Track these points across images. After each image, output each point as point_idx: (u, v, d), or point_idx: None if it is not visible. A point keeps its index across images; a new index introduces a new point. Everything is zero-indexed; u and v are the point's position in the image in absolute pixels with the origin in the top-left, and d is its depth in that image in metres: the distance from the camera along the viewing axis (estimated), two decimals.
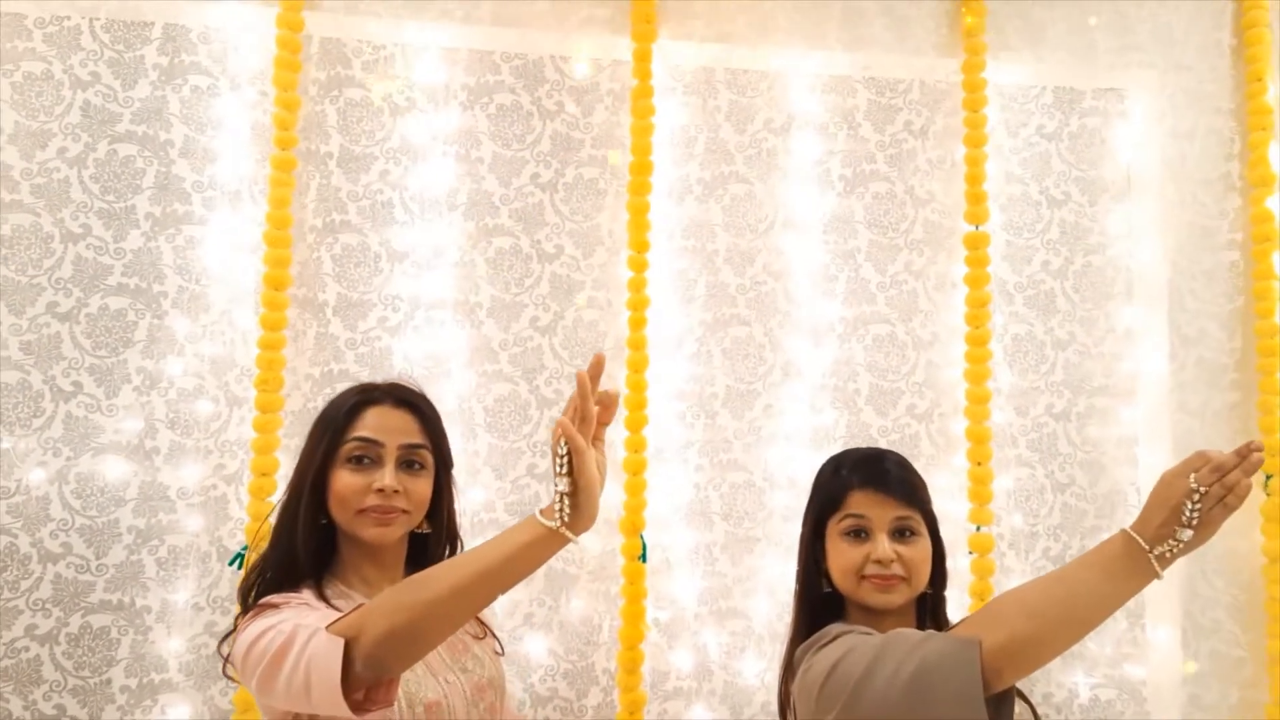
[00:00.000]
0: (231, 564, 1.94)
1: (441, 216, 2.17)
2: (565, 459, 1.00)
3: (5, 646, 1.91)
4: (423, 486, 1.30)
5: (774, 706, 1.57)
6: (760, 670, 2.14)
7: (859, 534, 1.37)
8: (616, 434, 2.13)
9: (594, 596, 2.13)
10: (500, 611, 2.09)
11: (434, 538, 1.34)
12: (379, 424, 1.28)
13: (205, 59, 2.11)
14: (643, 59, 2.20)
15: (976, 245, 2.21)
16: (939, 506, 2.18)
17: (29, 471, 1.96)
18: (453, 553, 1.38)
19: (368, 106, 2.17)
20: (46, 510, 1.95)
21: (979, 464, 2.15)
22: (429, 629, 1.00)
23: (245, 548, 1.81)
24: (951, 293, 2.26)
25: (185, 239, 2.07)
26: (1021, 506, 2.25)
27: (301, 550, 1.24)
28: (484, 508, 2.12)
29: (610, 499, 2.12)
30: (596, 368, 1.06)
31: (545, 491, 2.15)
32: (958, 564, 2.14)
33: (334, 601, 1.20)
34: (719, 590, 2.17)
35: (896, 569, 1.35)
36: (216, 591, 2.00)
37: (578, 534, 1.03)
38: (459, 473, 2.08)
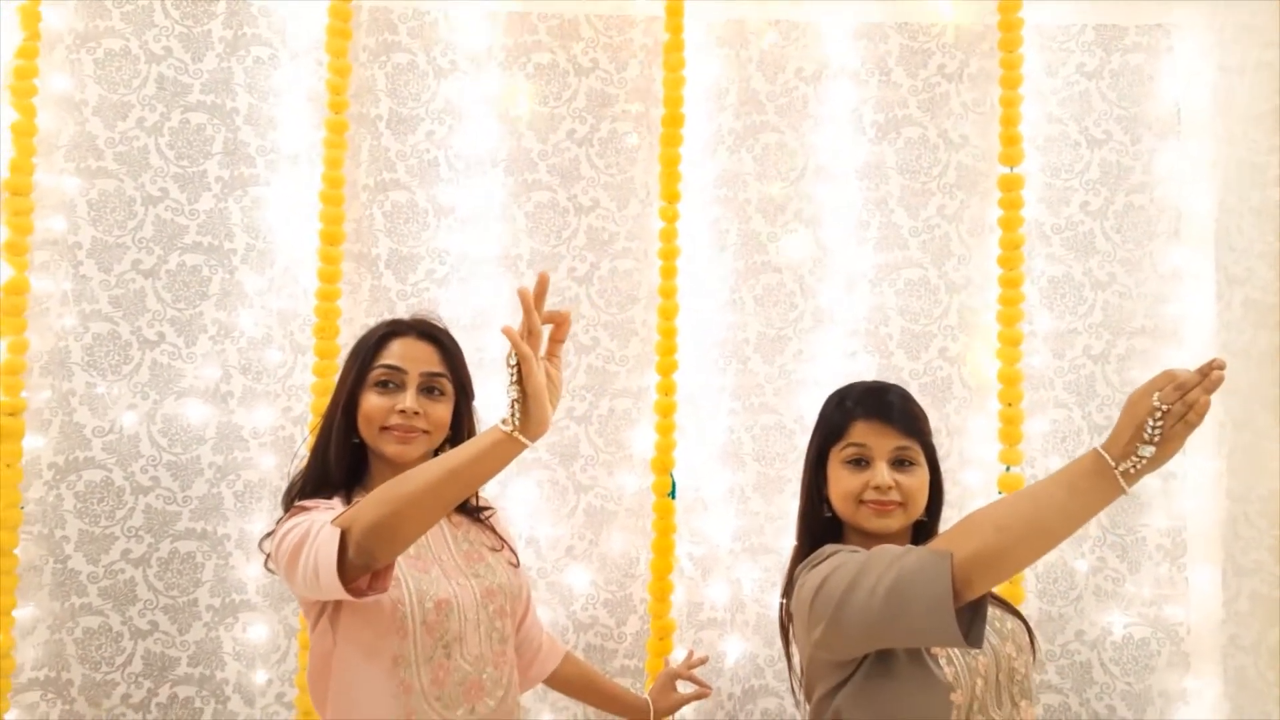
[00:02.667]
0: None
1: (484, 174, 2.29)
2: (515, 369, 1.11)
3: (104, 569, 2.15)
4: (441, 411, 1.43)
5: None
6: None
7: (860, 462, 1.44)
8: (649, 379, 2.23)
9: (631, 532, 2.25)
10: (544, 543, 2.23)
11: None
12: (403, 353, 1.42)
13: (265, 31, 2.27)
14: (674, 14, 2.25)
15: (1011, 187, 2.21)
16: (973, 449, 2.23)
17: (121, 413, 2.18)
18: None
19: (414, 70, 2.30)
20: (137, 447, 2.17)
21: (1010, 405, 2.17)
22: (409, 520, 1.13)
23: None
24: (986, 236, 2.27)
25: (251, 200, 2.24)
26: (1058, 449, 2.26)
27: (334, 465, 1.39)
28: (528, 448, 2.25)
29: (643, 440, 2.23)
30: (539, 285, 1.16)
31: (584, 433, 2.27)
32: (980, 499, 2.17)
33: None
34: (752, 528, 2.26)
35: (894, 495, 1.42)
36: None
37: (530, 439, 1.13)
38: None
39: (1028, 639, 1.44)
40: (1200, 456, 2.27)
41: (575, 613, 2.24)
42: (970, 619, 1.18)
